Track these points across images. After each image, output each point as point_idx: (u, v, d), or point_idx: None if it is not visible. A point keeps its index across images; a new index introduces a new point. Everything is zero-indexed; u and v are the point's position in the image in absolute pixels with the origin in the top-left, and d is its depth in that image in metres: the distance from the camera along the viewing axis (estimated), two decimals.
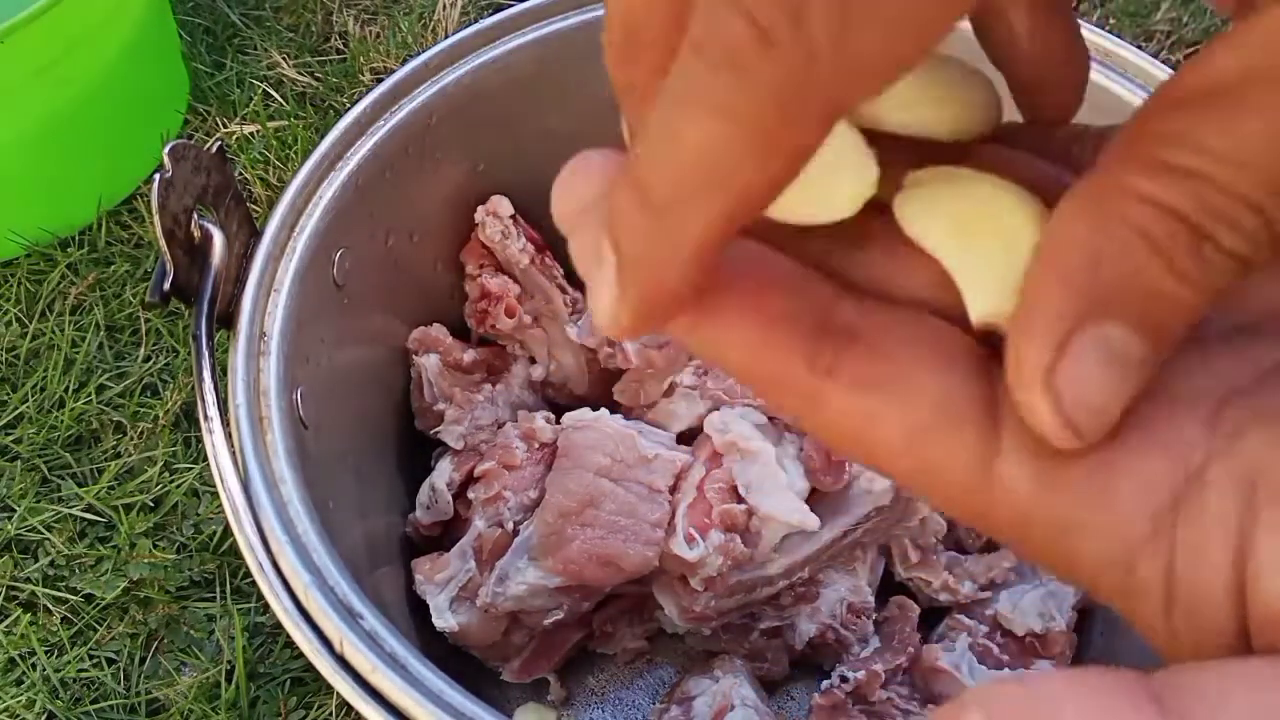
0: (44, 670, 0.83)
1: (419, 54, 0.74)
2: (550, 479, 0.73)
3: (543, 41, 0.76)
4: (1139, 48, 0.74)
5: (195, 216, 0.60)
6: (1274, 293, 0.21)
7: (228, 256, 0.62)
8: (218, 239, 0.61)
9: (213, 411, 0.58)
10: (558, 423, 0.78)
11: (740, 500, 0.73)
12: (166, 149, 0.57)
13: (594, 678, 0.81)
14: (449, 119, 0.75)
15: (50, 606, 0.86)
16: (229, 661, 0.82)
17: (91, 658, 0.84)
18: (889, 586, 0.80)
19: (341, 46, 1.21)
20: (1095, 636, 0.79)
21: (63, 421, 0.94)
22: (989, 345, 0.22)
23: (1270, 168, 0.18)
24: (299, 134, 1.12)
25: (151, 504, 0.91)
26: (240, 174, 1.08)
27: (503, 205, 0.79)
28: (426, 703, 0.51)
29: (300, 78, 1.18)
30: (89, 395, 0.96)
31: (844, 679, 0.72)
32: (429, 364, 0.78)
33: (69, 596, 0.86)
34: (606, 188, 0.22)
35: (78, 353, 0.98)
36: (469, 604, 0.74)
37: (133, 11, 1.05)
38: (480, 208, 0.79)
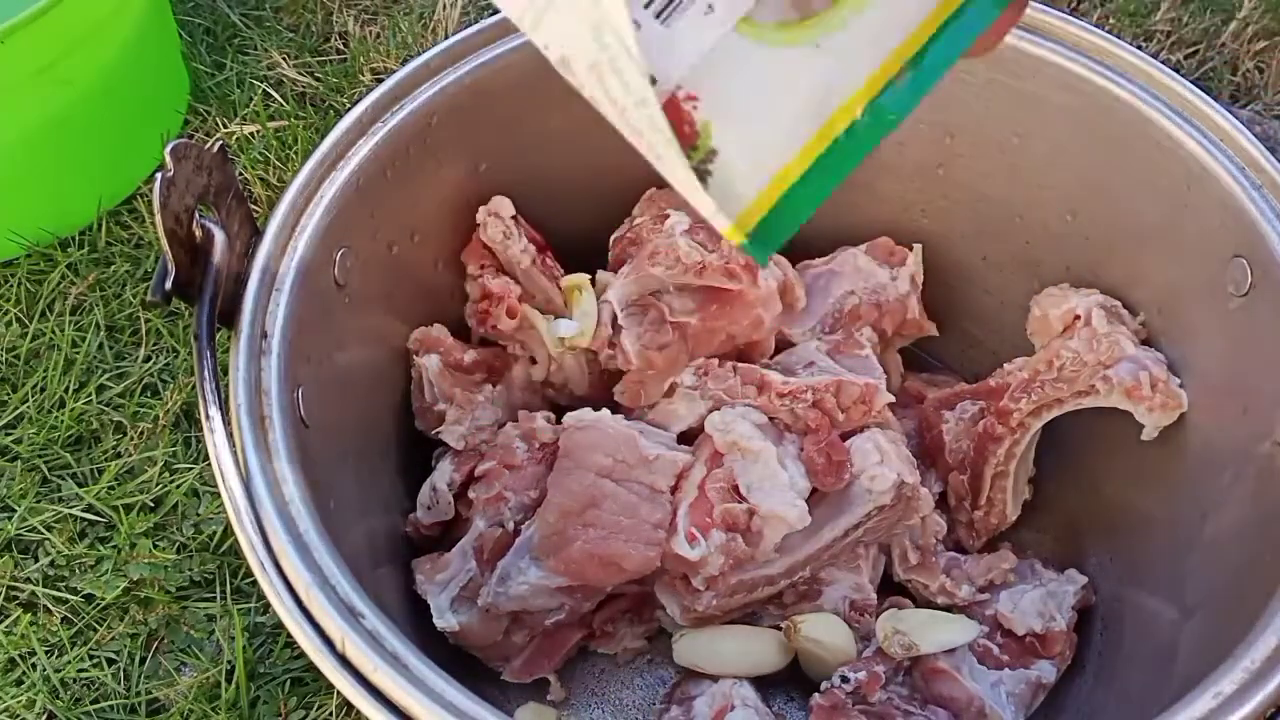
0: (44, 670, 0.83)
1: (419, 54, 0.74)
2: (552, 479, 0.73)
3: None
4: (1139, 48, 0.74)
5: (197, 216, 0.60)
6: None
7: (229, 256, 0.62)
8: (219, 238, 0.61)
9: (214, 411, 0.58)
10: (558, 423, 0.78)
11: (741, 499, 0.73)
12: (169, 148, 0.57)
13: (594, 678, 0.81)
14: (450, 119, 0.75)
15: (50, 606, 0.86)
16: (229, 661, 0.82)
17: (91, 658, 0.84)
18: (887, 587, 0.80)
19: (342, 47, 1.22)
20: (1095, 636, 0.79)
21: (63, 422, 0.94)
22: None
23: None
24: (299, 134, 1.12)
25: (151, 504, 0.91)
26: (240, 174, 1.08)
27: (504, 206, 0.79)
28: (428, 702, 0.51)
29: (300, 78, 1.18)
30: (89, 395, 0.96)
31: (844, 679, 0.72)
32: (430, 364, 0.78)
33: (69, 596, 0.86)
34: None
35: (78, 353, 0.98)
36: (470, 604, 0.74)
37: (133, 12, 1.05)
38: (482, 208, 0.79)
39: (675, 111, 0.37)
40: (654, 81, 0.36)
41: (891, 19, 0.38)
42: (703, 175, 0.37)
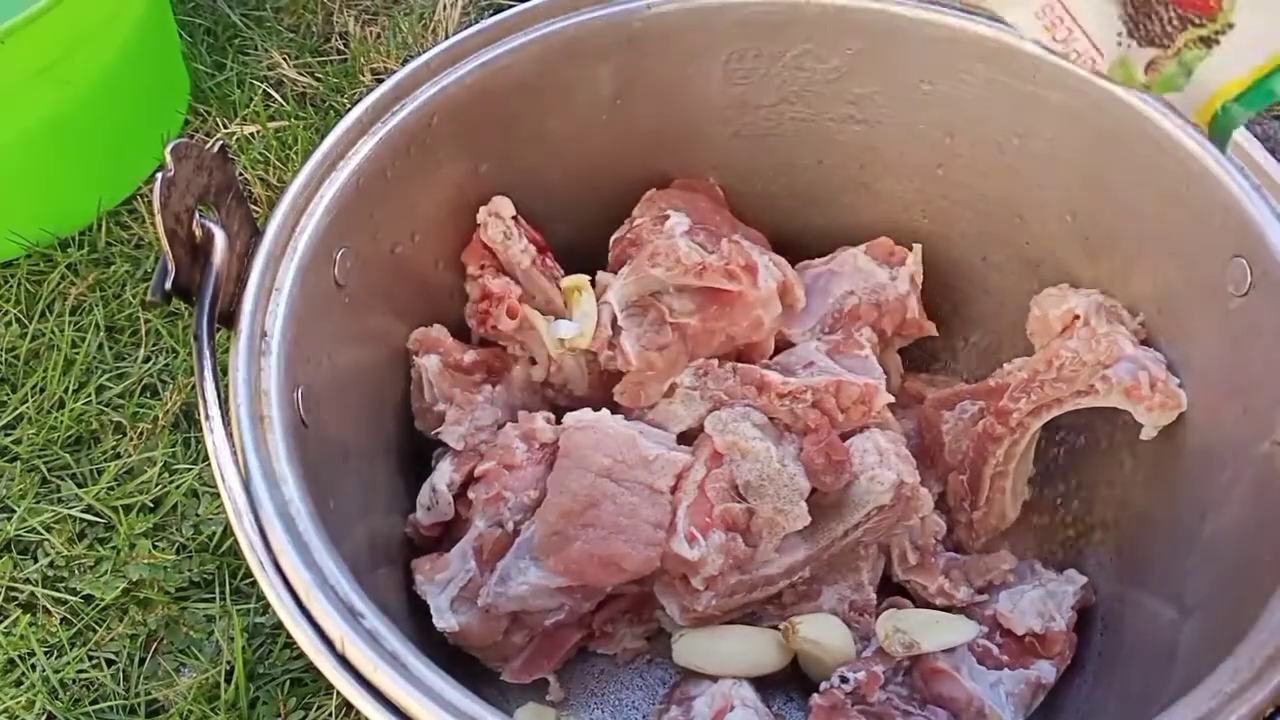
0: (44, 671, 0.83)
1: (420, 55, 0.74)
2: (552, 479, 0.73)
3: (543, 42, 0.76)
4: None
5: (197, 216, 0.60)
6: None
7: (229, 256, 0.62)
8: (219, 238, 0.61)
9: (214, 411, 0.58)
10: (558, 423, 0.78)
11: (741, 500, 0.73)
12: (169, 147, 0.58)
13: (594, 678, 0.81)
14: (450, 120, 0.75)
15: (50, 607, 0.86)
16: (228, 662, 0.82)
17: (91, 658, 0.84)
18: (887, 587, 0.80)
19: (342, 47, 1.22)
20: (1095, 636, 0.79)
21: (62, 422, 0.94)
22: None
23: None
24: (299, 134, 1.12)
25: (151, 504, 0.90)
26: (241, 174, 1.08)
27: (504, 206, 0.79)
28: (428, 702, 0.51)
29: (301, 78, 1.18)
30: (89, 396, 0.96)
31: (844, 679, 0.72)
32: (429, 365, 0.78)
33: (69, 597, 0.86)
34: None
35: (77, 353, 0.98)
36: (470, 604, 0.74)
37: (133, 12, 1.05)
38: (482, 208, 0.79)
39: None
40: None
41: None
42: (1210, 43, 0.43)
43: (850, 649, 0.75)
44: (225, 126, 1.13)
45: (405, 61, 0.75)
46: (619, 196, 0.85)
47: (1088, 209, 0.78)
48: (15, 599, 0.86)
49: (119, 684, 0.83)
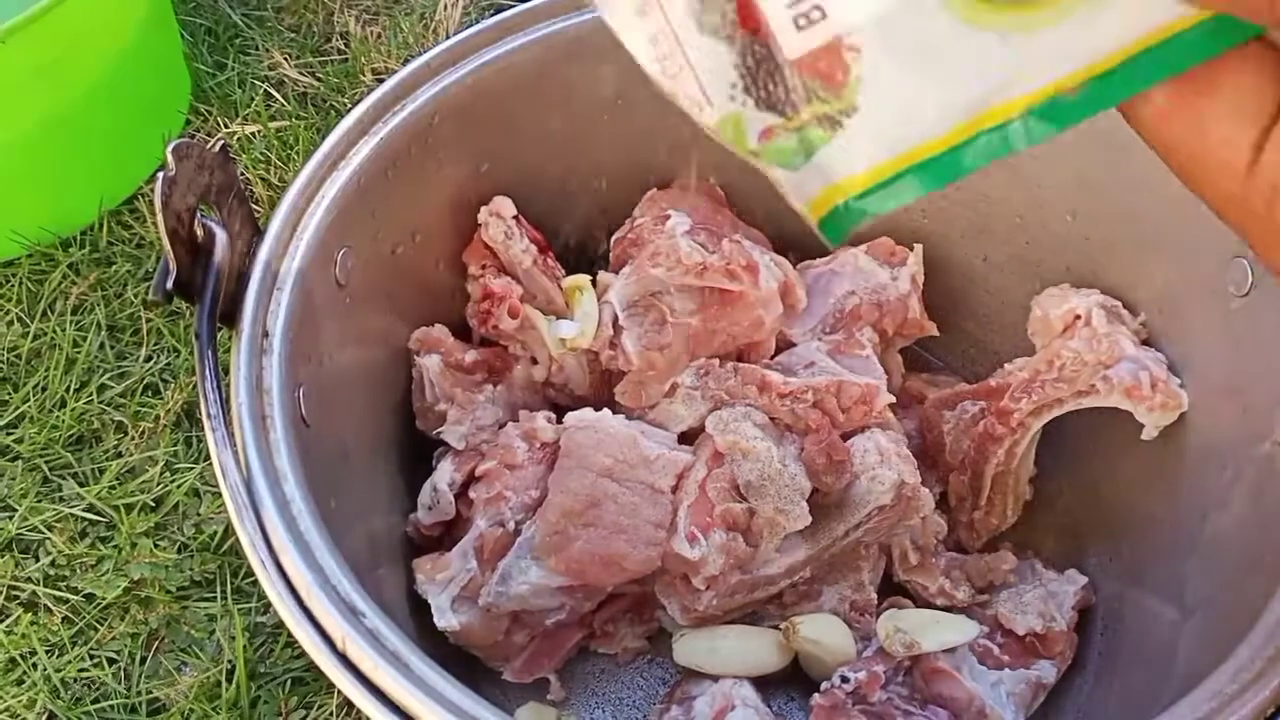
0: (45, 670, 0.83)
1: (420, 54, 0.74)
2: (553, 479, 0.73)
3: (544, 42, 0.76)
4: None
5: (198, 215, 0.60)
6: None
7: (230, 255, 0.62)
8: (220, 238, 0.61)
9: (215, 410, 0.58)
10: (559, 423, 0.78)
11: (742, 499, 0.73)
12: (170, 147, 0.58)
13: (594, 678, 0.81)
14: (451, 119, 0.75)
15: (51, 606, 0.86)
16: (230, 661, 0.83)
17: (92, 657, 0.84)
18: (888, 587, 0.80)
19: (343, 47, 1.22)
20: (1095, 636, 0.79)
21: (64, 421, 0.94)
22: None
23: None
24: (300, 134, 1.12)
25: (152, 504, 0.91)
26: (242, 174, 1.08)
27: (506, 206, 0.79)
28: (429, 701, 0.51)
29: (302, 78, 1.18)
30: (90, 395, 0.96)
31: (844, 679, 0.72)
32: (430, 364, 0.78)
33: (70, 596, 0.86)
34: None
35: (79, 352, 0.98)
36: (470, 604, 0.74)
37: (134, 12, 1.05)
38: (484, 208, 0.79)
39: (833, 56, 0.35)
40: (824, 15, 0.35)
41: (1093, 37, 0.35)
42: (834, 125, 0.36)
43: (851, 649, 0.75)
44: (226, 126, 1.14)
45: (406, 61, 0.75)
46: (620, 196, 0.85)
47: (1088, 209, 0.78)
48: (16, 598, 0.86)
49: (120, 683, 0.83)
